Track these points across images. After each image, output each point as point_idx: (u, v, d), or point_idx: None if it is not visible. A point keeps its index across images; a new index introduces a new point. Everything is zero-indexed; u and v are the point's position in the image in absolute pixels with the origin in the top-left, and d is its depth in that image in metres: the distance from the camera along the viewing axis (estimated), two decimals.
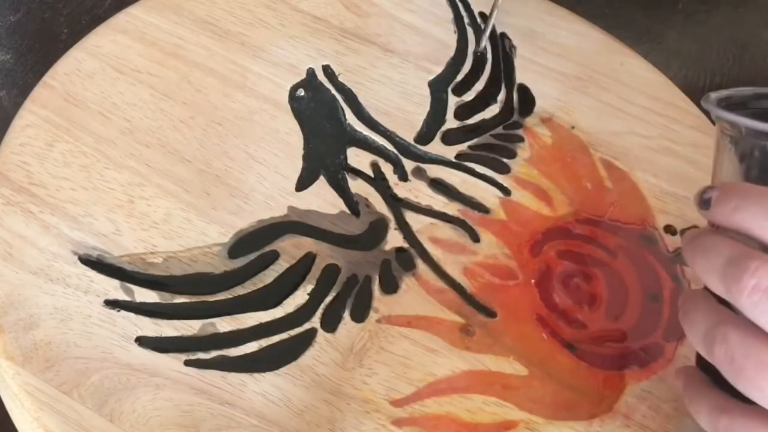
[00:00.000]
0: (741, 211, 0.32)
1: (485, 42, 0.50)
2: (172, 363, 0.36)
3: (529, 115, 0.48)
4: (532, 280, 0.42)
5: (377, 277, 0.41)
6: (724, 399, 0.33)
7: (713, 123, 0.36)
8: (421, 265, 0.42)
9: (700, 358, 0.36)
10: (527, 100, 0.49)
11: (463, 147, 0.46)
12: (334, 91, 0.47)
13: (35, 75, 0.44)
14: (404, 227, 0.43)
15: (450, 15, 0.52)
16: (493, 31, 0.51)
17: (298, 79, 0.47)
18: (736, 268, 0.31)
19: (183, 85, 0.45)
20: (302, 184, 0.43)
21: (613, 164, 0.47)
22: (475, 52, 0.50)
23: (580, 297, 0.42)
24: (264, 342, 0.38)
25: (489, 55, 0.50)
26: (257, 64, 0.47)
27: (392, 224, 0.43)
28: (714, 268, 0.32)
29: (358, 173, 0.44)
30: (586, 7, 0.54)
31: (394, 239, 0.42)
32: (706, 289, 0.34)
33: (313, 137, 0.45)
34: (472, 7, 0.52)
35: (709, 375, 0.35)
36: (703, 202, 0.34)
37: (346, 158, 0.45)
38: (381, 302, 0.40)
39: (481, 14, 0.52)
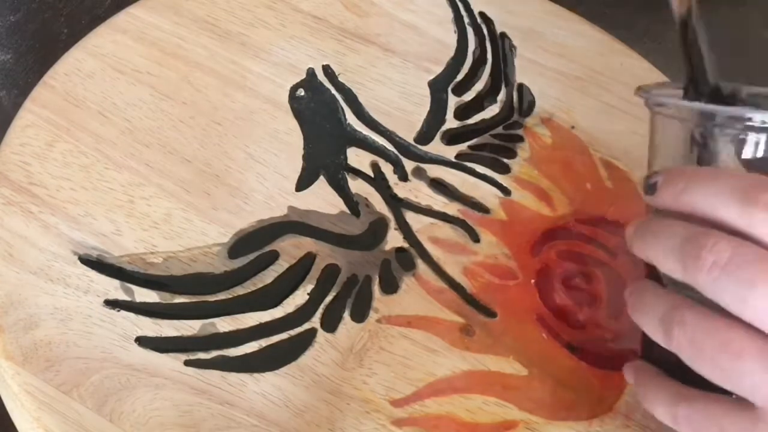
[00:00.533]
0: (689, 192, 0.32)
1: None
2: (172, 363, 0.36)
3: (529, 115, 0.48)
4: (532, 280, 0.42)
5: (377, 277, 0.41)
6: (681, 387, 0.33)
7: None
8: (421, 265, 0.42)
9: (646, 351, 0.36)
10: (527, 100, 0.49)
11: (463, 147, 0.46)
12: (334, 91, 0.47)
13: (35, 75, 0.44)
14: (404, 227, 0.43)
15: (450, 15, 0.52)
16: (493, 31, 0.51)
17: (298, 79, 0.47)
18: (694, 246, 0.31)
19: (183, 85, 0.45)
20: (302, 184, 0.43)
21: (613, 164, 0.47)
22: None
23: (580, 297, 0.42)
24: (264, 342, 0.38)
25: (489, 55, 0.50)
26: (257, 64, 0.47)
27: (392, 224, 0.43)
28: (669, 249, 0.32)
29: (358, 173, 0.44)
30: (586, 7, 0.53)
31: (394, 239, 0.42)
32: (651, 278, 0.34)
33: (313, 137, 0.45)
34: (472, 7, 0.52)
35: (659, 367, 0.34)
36: (649, 187, 0.34)
37: (346, 158, 0.45)
38: (381, 302, 0.40)
39: (482, 14, 0.52)
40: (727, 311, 0.30)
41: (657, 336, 0.33)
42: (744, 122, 0.33)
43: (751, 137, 0.33)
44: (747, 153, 0.34)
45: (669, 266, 0.32)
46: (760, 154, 0.34)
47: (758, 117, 0.33)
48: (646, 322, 0.33)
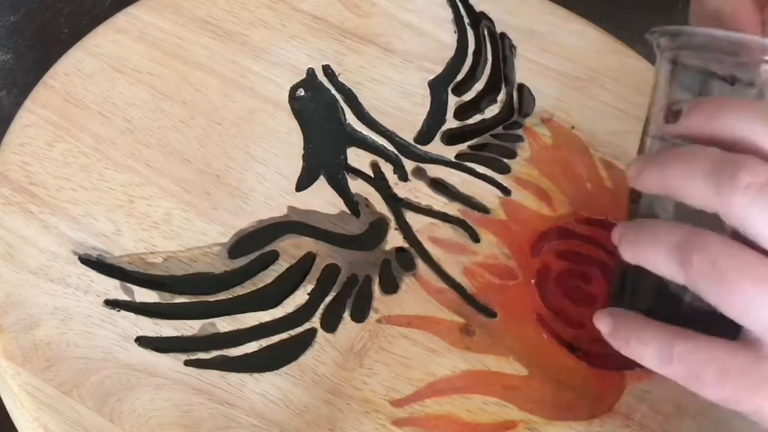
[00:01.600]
0: (721, 117, 0.30)
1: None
2: (172, 363, 0.36)
3: (529, 115, 0.48)
4: (532, 280, 0.42)
5: (377, 277, 0.41)
6: (674, 327, 0.31)
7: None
8: (421, 265, 0.42)
9: (624, 299, 0.35)
10: (527, 100, 0.49)
11: (463, 147, 0.46)
12: (334, 91, 0.47)
13: (35, 75, 0.44)
14: (404, 227, 0.43)
15: (450, 15, 0.52)
16: (493, 31, 0.51)
17: (298, 79, 0.47)
18: (730, 166, 0.29)
19: (183, 85, 0.45)
20: (302, 184, 0.43)
21: (613, 164, 0.47)
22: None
23: (580, 297, 0.42)
24: (264, 342, 0.38)
25: (489, 55, 0.50)
26: (257, 64, 0.47)
27: (392, 224, 0.43)
28: (699, 172, 0.30)
29: (358, 173, 0.44)
30: (586, 7, 0.53)
31: (394, 239, 0.42)
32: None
33: (313, 137, 0.45)
34: (472, 7, 0.52)
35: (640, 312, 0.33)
36: (672, 114, 0.32)
37: (346, 158, 0.45)
38: (381, 302, 0.40)
39: (482, 14, 0.52)
40: (749, 242, 0.29)
41: (670, 267, 0.30)
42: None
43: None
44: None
45: (695, 189, 0.30)
46: None
47: None
48: (655, 254, 0.31)
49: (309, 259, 0.41)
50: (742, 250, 0.29)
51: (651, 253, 0.31)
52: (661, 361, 0.31)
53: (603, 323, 0.34)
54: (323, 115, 0.46)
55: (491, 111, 0.48)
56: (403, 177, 0.45)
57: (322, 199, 0.43)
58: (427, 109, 0.47)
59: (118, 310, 0.37)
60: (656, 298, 0.34)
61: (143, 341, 0.37)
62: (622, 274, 0.36)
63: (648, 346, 0.31)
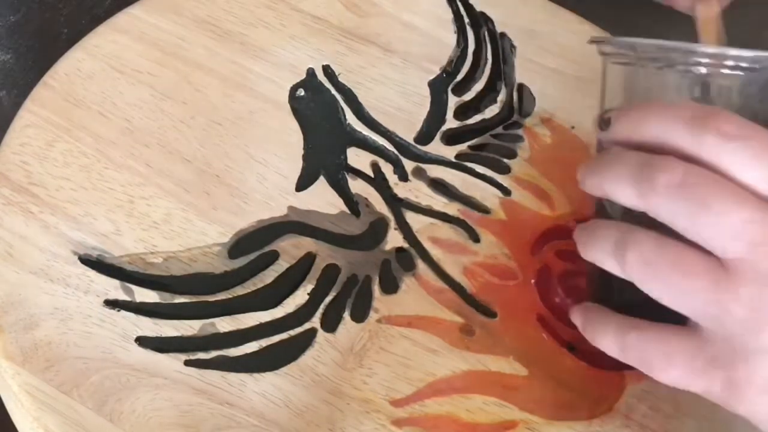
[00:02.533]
0: (643, 123, 0.33)
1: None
2: (172, 363, 0.36)
3: (529, 115, 0.48)
4: (532, 280, 0.42)
5: (377, 277, 0.41)
6: (629, 319, 0.34)
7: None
8: (421, 265, 0.42)
9: (594, 292, 0.37)
10: (527, 100, 0.49)
11: (463, 147, 0.46)
12: (334, 91, 0.47)
13: (35, 75, 0.44)
14: (404, 227, 0.43)
15: (450, 15, 0.52)
16: (493, 31, 0.51)
17: (298, 79, 0.47)
18: (648, 169, 0.31)
19: (183, 85, 0.45)
20: (302, 184, 0.43)
21: None
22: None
23: (580, 297, 0.42)
24: (264, 342, 0.38)
25: (489, 55, 0.50)
26: (257, 64, 0.47)
27: (392, 224, 0.43)
28: (623, 175, 0.32)
29: (358, 173, 0.44)
30: (586, 8, 0.53)
31: (394, 239, 0.42)
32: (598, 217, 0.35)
33: (313, 137, 0.45)
34: (472, 7, 0.52)
35: (608, 306, 0.35)
36: (603, 123, 0.35)
37: (346, 158, 0.45)
38: (381, 302, 0.40)
39: (482, 14, 0.52)
40: (678, 236, 0.31)
41: (610, 263, 0.33)
42: (693, 59, 0.34)
43: (700, 76, 0.34)
44: (696, 92, 0.35)
45: (623, 193, 0.32)
46: (712, 93, 0.35)
47: (707, 52, 0.34)
48: (598, 252, 0.34)
49: (309, 259, 0.41)
50: (671, 245, 0.31)
51: (596, 251, 0.34)
52: (618, 349, 0.34)
53: (576, 318, 0.36)
54: (323, 115, 0.46)
55: (491, 111, 0.48)
56: (403, 177, 0.45)
57: (322, 199, 0.43)
58: (427, 109, 0.47)
59: (118, 310, 0.37)
60: (616, 291, 0.35)
61: (143, 341, 0.37)
62: (591, 271, 0.38)
63: (606, 336, 0.34)
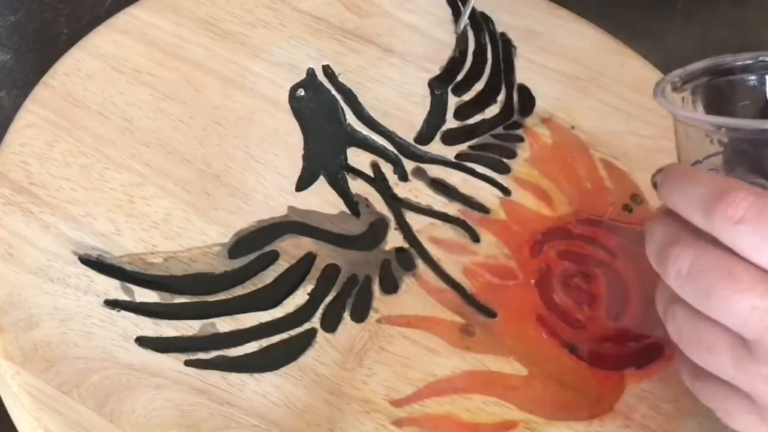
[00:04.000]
0: (672, 195, 0.34)
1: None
2: (172, 363, 0.36)
3: (529, 115, 0.48)
4: (532, 280, 0.42)
5: (377, 277, 0.41)
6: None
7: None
8: (421, 265, 0.42)
9: None
10: (527, 100, 0.49)
11: (463, 147, 0.46)
12: (334, 91, 0.47)
13: (35, 75, 0.44)
14: (404, 227, 0.43)
15: (450, 15, 0.52)
16: (493, 31, 0.51)
17: (298, 79, 0.47)
18: (663, 255, 0.33)
19: (183, 85, 0.45)
20: (302, 184, 0.43)
21: (613, 164, 0.47)
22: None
23: (580, 297, 0.42)
24: (264, 342, 0.38)
25: (489, 55, 0.51)
26: (257, 64, 0.47)
27: (392, 224, 0.43)
28: (649, 252, 0.34)
29: (358, 173, 0.44)
30: (586, 7, 0.53)
31: (394, 239, 0.42)
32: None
33: (313, 137, 0.45)
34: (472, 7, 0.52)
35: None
36: (653, 185, 0.35)
37: (346, 158, 0.45)
38: (381, 302, 0.40)
39: (482, 14, 0.52)
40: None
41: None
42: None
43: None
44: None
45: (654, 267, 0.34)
46: None
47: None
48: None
49: (309, 259, 0.41)
50: (699, 319, 0.32)
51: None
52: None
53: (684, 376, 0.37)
54: (323, 115, 0.46)
55: (491, 111, 0.48)
56: (403, 177, 0.45)
57: (322, 199, 0.43)
58: (427, 109, 0.47)
59: (118, 310, 0.37)
60: None
61: (143, 341, 0.37)
62: None
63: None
